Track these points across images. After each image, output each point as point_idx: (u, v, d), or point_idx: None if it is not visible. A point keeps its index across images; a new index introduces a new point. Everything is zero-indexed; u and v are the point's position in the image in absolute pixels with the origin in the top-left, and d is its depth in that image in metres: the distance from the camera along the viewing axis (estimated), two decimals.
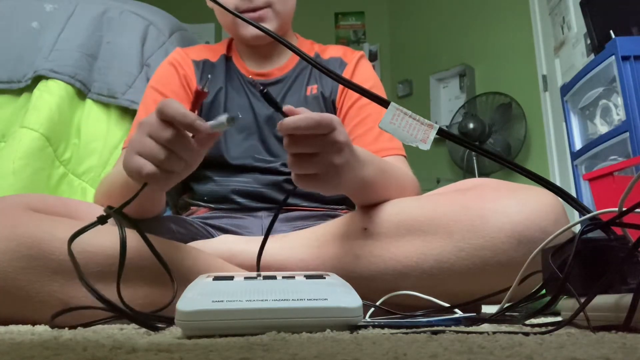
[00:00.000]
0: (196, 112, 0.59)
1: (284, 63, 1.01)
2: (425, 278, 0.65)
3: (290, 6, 0.99)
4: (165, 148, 0.57)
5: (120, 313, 0.51)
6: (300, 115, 0.58)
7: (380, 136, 0.90)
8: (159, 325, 0.52)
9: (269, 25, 0.93)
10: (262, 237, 0.78)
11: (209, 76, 0.62)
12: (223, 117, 0.58)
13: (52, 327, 0.53)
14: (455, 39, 3.35)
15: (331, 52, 1.03)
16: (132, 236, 0.62)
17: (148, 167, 0.57)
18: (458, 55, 3.32)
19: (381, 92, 1.01)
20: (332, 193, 0.66)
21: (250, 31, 0.94)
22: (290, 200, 0.91)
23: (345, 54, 1.02)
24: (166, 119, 0.57)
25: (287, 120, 0.57)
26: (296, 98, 0.97)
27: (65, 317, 0.55)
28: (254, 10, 0.92)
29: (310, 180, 0.62)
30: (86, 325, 0.55)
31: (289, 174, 0.62)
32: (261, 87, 0.59)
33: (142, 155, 0.57)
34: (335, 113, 0.97)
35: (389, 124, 0.58)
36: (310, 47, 1.05)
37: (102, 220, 0.58)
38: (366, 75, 1.00)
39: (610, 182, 1.33)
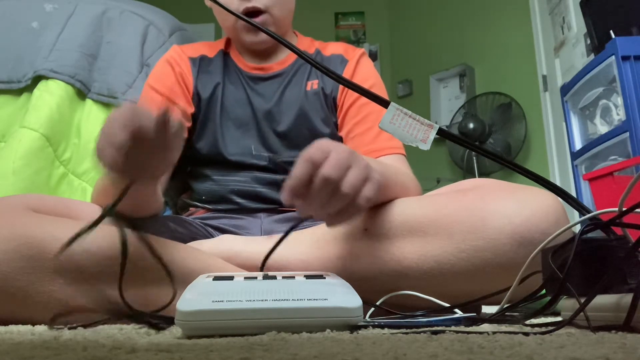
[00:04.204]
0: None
1: (284, 58, 1.01)
2: (426, 279, 0.65)
3: (289, 9, 0.99)
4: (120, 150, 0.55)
5: (129, 317, 0.51)
6: (296, 167, 0.57)
7: (379, 135, 0.90)
8: (163, 325, 0.52)
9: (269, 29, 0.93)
10: (262, 237, 0.78)
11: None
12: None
13: (52, 328, 0.53)
14: (455, 39, 3.35)
15: (332, 49, 1.03)
16: (133, 236, 0.62)
17: (116, 165, 0.56)
18: (458, 55, 3.32)
19: (382, 91, 1.01)
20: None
21: (251, 37, 0.94)
22: None
23: (347, 51, 1.02)
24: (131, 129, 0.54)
25: (288, 182, 0.56)
26: (296, 92, 0.97)
27: (65, 317, 0.55)
28: (252, 14, 0.92)
29: (349, 210, 0.59)
30: (86, 325, 0.54)
31: (287, 173, 0.61)
32: (268, 158, 0.58)
33: (112, 148, 0.55)
34: (335, 110, 0.97)
35: (389, 124, 0.58)
36: (310, 44, 1.05)
37: (95, 223, 0.56)
38: (367, 73, 1.00)
39: (610, 182, 1.33)
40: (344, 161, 0.57)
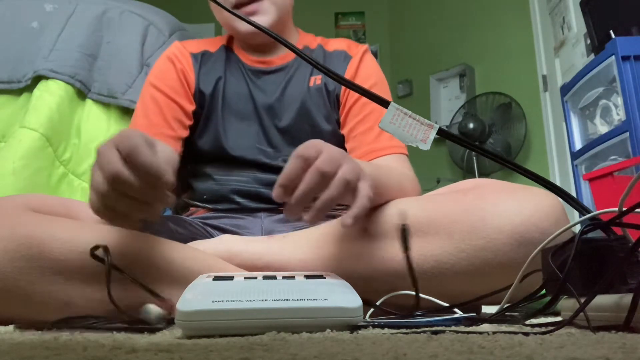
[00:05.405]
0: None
1: (286, 52, 1.00)
2: (425, 279, 0.65)
3: (289, 1, 0.99)
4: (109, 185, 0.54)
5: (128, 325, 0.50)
6: (288, 163, 0.58)
7: (381, 134, 0.90)
8: (158, 326, 0.52)
9: (266, 18, 0.93)
10: (263, 237, 0.78)
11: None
12: None
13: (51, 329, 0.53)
14: (455, 39, 3.35)
15: (335, 45, 1.03)
16: (128, 238, 0.62)
17: (96, 207, 0.56)
18: (458, 55, 3.32)
19: (385, 88, 1.00)
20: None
21: (246, 27, 0.94)
22: None
23: (350, 47, 1.02)
24: (131, 163, 0.52)
25: (280, 177, 0.58)
26: (298, 88, 0.96)
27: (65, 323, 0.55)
28: (250, 2, 0.92)
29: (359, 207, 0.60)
30: (86, 327, 0.55)
31: None
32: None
33: (93, 189, 0.55)
34: (338, 107, 0.97)
35: (389, 123, 0.58)
36: (312, 40, 1.05)
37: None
38: (370, 70, 0.99)
39: (610, 182, 1.33)
40: (336, 158, 0.59)
